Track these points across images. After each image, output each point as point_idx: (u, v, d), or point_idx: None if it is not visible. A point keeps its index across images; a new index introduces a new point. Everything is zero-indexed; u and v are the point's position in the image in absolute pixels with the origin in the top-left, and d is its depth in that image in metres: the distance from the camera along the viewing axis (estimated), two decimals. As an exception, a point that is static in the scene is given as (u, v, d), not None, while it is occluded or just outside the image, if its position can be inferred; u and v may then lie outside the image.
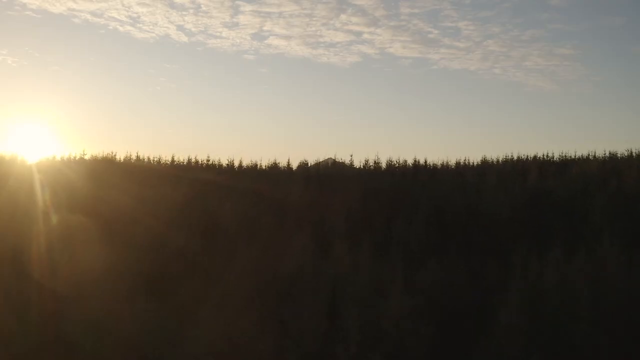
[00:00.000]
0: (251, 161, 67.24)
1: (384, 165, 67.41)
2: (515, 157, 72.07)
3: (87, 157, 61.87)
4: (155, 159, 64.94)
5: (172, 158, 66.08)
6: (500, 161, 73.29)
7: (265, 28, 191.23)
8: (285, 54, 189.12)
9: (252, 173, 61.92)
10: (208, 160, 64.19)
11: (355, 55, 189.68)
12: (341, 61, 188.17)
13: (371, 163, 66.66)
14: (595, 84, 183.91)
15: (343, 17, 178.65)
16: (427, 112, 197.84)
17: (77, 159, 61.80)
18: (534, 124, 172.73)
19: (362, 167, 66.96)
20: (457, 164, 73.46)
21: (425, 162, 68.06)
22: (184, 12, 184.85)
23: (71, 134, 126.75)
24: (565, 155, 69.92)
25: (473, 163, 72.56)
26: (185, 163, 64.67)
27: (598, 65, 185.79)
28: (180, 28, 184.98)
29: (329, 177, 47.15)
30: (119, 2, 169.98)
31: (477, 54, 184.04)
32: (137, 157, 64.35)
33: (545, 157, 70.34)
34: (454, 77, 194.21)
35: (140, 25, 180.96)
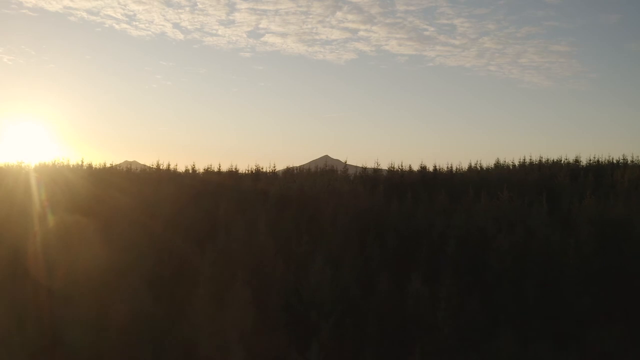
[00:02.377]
0: (231, 165, 57.86)
1: (384, 167, 56.69)
2: (534, 160, 60.84)
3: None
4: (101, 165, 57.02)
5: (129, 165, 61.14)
6: (516, 165, 61.97)
7: (261, 26, 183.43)
8: (282, 51, 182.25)
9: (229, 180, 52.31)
10: (169, 167, 56.55)
11: (351, 52, 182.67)
12: (337, 58, 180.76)
13: (370, 170, 55.90)
14: (591, 81, 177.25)
15: (339, 14, 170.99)
16: (424, 109, 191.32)
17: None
18: (532, 121, 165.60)
19: (359, 172, 56.21)
20: (470, 168, 62.17)
21: (435, 167, 57.20)
22: (179, 10, 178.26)
23: (68, 132, 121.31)
24: (598, 160, 58.58)
25: (486, 168, 61.72)
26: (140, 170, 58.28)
27: (593, 62, 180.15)
28: (176, 26, 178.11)
29: (313, 199, 34.66)
30: (114, 0, 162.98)
31: (473, 51, 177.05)
32: (82, 162, 55.73)
33: (574, 161, 58.87)
34: (450, 74, 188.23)
35: (136, 23, 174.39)
